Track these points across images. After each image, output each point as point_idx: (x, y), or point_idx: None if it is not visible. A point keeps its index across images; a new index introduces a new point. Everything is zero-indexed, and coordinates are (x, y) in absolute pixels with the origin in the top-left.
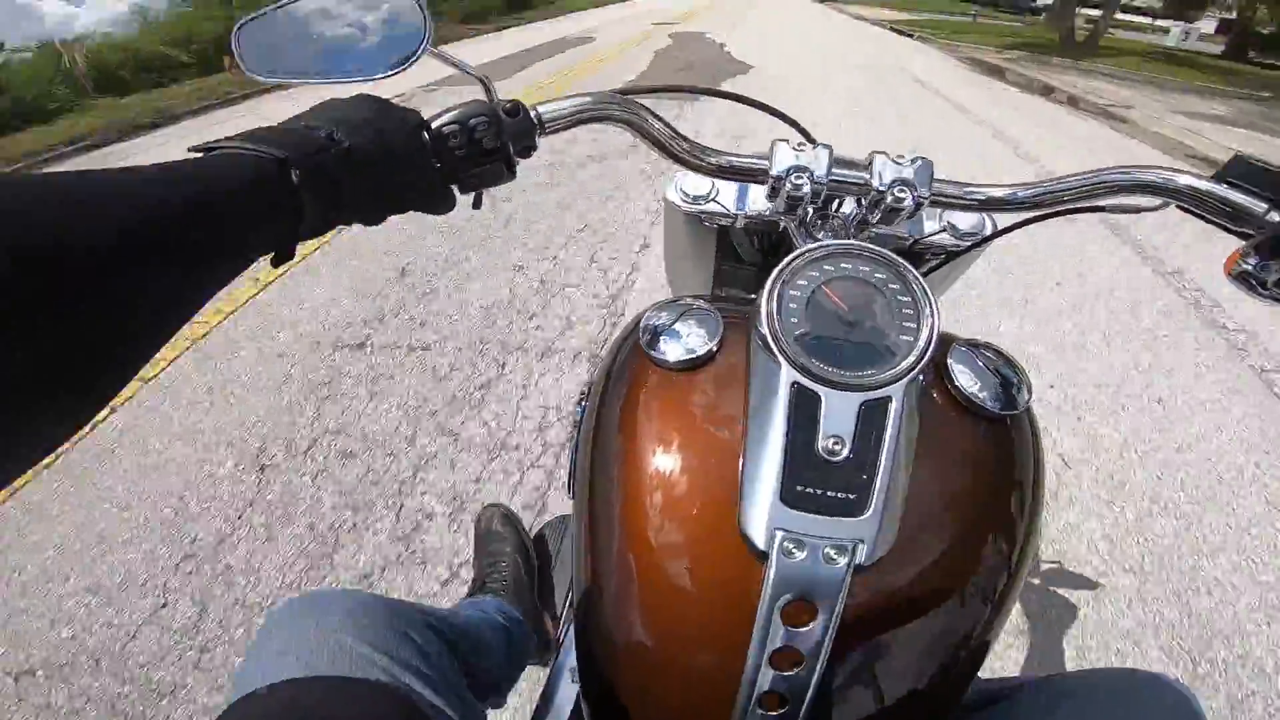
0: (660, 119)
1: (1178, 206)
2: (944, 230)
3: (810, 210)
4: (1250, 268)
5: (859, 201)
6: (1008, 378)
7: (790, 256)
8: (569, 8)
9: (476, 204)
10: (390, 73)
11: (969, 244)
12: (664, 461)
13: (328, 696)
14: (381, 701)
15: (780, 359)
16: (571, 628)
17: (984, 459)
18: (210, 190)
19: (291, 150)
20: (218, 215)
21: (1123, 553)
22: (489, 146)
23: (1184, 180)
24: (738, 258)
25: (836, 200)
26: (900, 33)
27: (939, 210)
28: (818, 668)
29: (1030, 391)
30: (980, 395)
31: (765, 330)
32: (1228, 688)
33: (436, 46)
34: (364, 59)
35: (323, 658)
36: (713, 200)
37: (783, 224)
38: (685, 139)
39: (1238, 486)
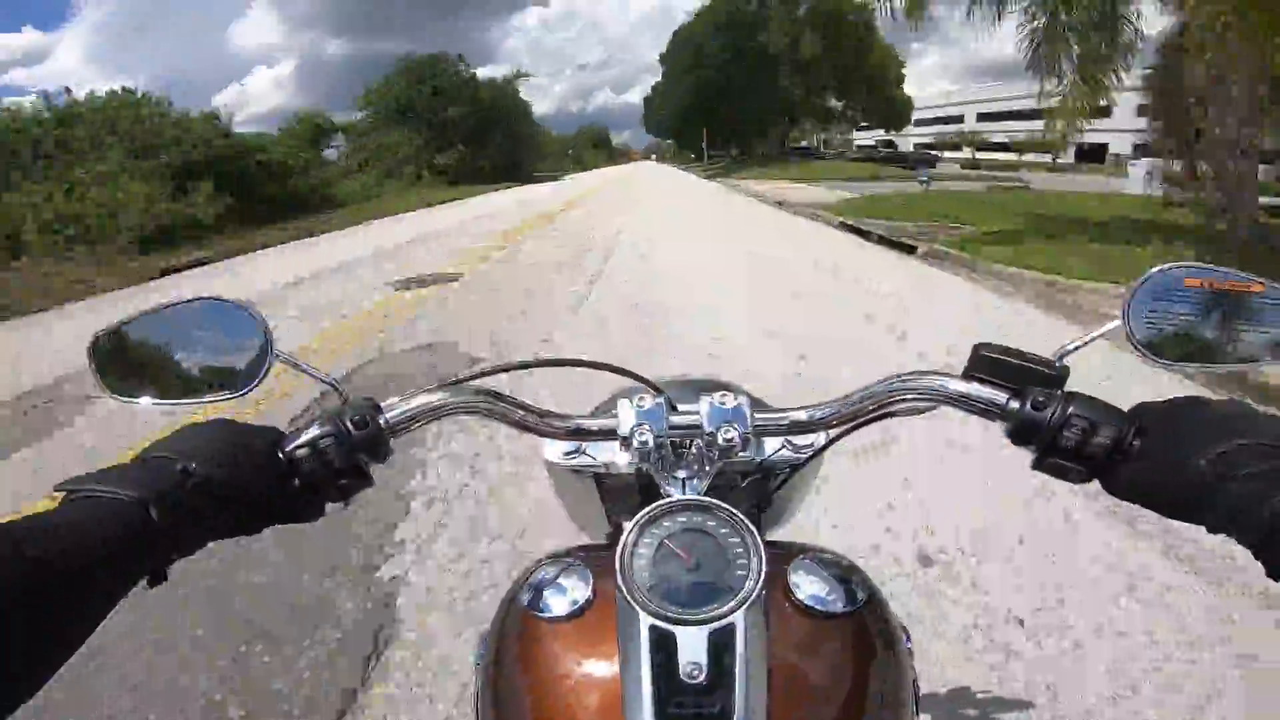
0: (514, 401)
1: (946, 404)
2: (784, 448)
3: (664, 454)
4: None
5: (699, 442)
6: (845, 578)
7: (633, 520)
8: (367, 212)
9: (345, 504)
10: (244, 390)
11: (806, 456)
12: (557, 707)
13: None
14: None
15: (636, 608)
16: None
17: (836, 656)
18: (79, 542)
19: (147, 489)
20: (88, 565)
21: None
22: (341, 465)
23: (949, 385)
24: (623, 501)
25: (688, 441)
26: (860, 234)
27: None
28: None
29: (867, 588)
30: (822, 602)
31: (622, 585)
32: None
33: (281, 356)
34: (218, 376)
35: None
36: (583, 454)
37: (643, 468)
38: (540, 413)
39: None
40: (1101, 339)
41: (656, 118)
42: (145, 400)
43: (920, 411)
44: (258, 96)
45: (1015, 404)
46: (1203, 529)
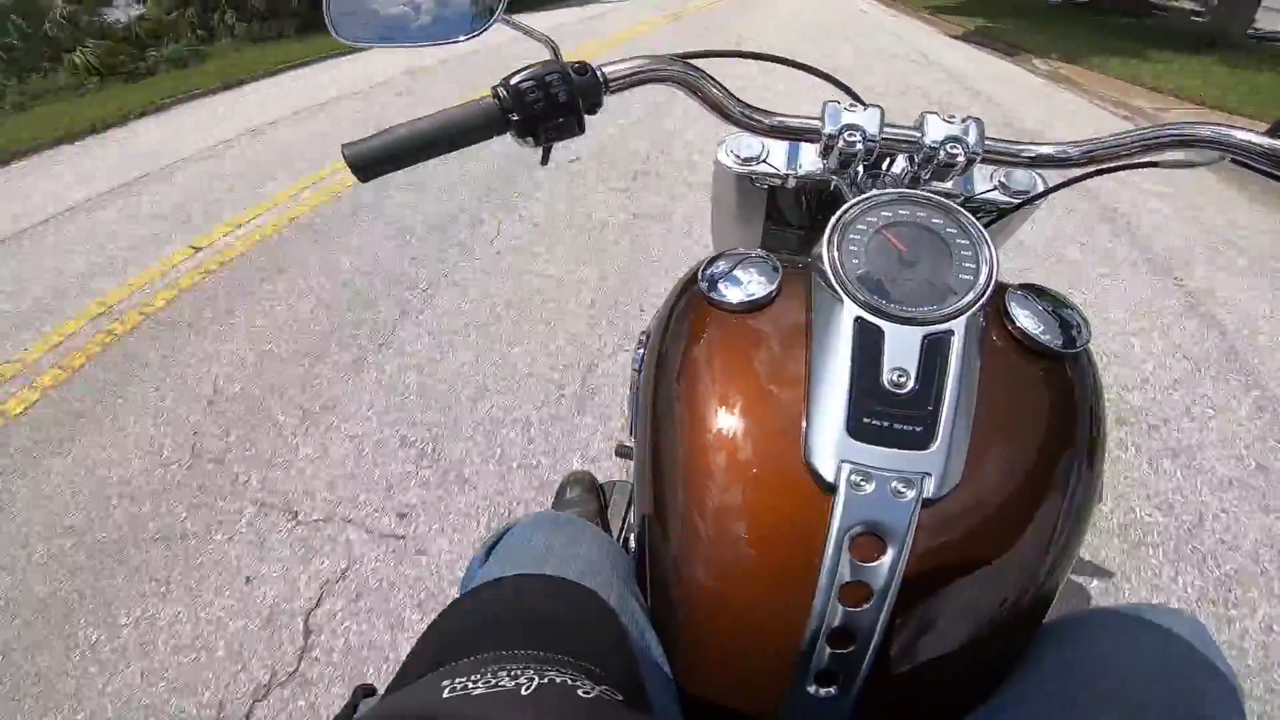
0: (716, 82)
1: (1233, 161)
2: (995, 188)
3: (861, 169)
4: None
5: (911, 159)
6: (1065, 318)
7: (851, 202)
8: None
9: (544, 160)
10: (467, 36)
11: (1020, 201)
12: (727, 400)
13: (549, 590)
14: (592, 601)
15: (843, 295)
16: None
17: (1045, 396)
18: None
19: None
20: None
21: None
22: (562, 101)
23: (1240, 135)
24: (785, 222)
25: (887, 160)
26: None
27: (990, 169)
28: (886, 604)
29: (1088, 331)
30: (1040, 335)
31: (828, 268)
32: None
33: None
34: (442, 24)
35: (548, 564)
36: (764, 161)
37: (834, 183)
38: (739, 101)
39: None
40: None
41: None
42: (375, 44)
43: (1194, 165)
44: None
45: None
46: None
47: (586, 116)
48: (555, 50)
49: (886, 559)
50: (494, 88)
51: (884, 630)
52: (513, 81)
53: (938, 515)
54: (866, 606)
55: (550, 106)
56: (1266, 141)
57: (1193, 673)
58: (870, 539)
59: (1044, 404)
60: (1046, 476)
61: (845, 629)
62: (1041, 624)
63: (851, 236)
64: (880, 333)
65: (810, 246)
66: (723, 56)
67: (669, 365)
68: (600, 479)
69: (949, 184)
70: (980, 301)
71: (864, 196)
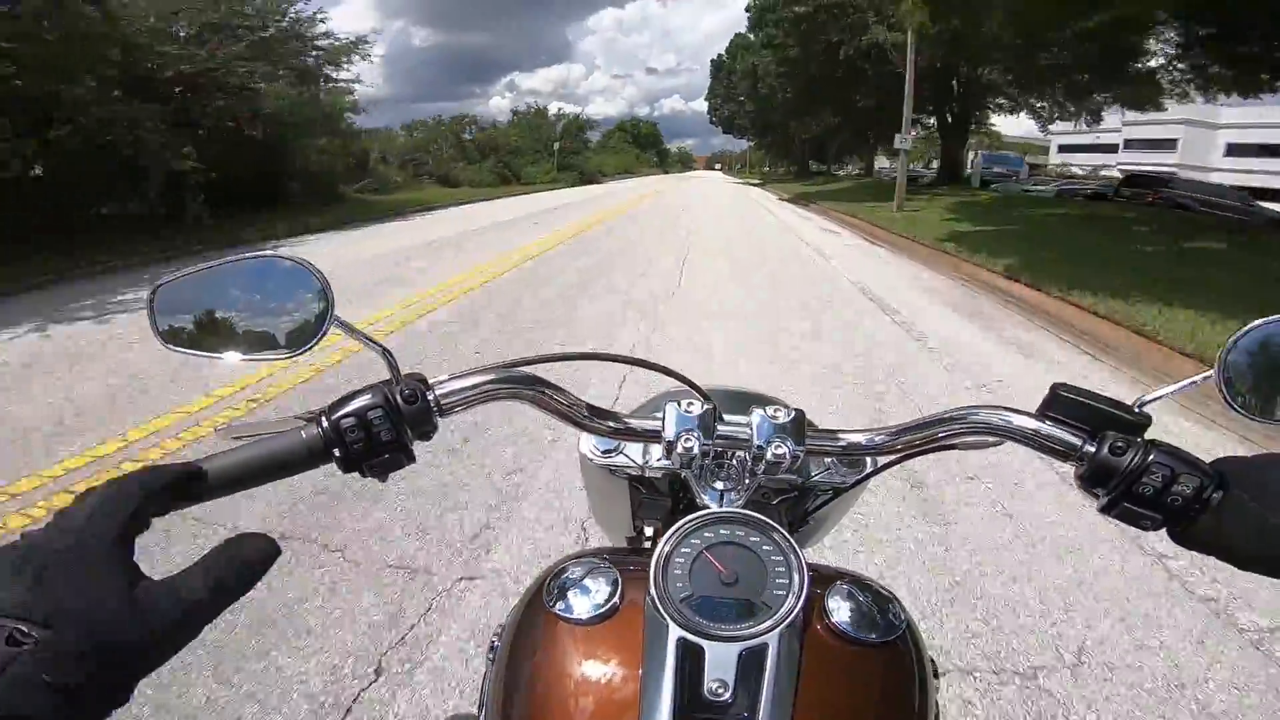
0: (562, 391)
1: (1013, 441)
2: (828, 470)
3: (705, 462)
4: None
5: (745, 456)
6: (881, 606)
7: (674, 527)
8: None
9: (382, 480)
10: (300, 351)
11: (850, 482)
12: (568, 713)
13: None
14: None
15: (667, 620)
16: None
17: (866, 687)
18: None
19: None
20: None
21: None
22: (385, 440)
23: (1015, 420)
24: (654, 506)
25: (730, 453)
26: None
27: None
28: None
29: (903, 616)
30: (857, 630)
31: (654, 594)
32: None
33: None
34: (275, 334)
35: None
36: (620, 454)
37: (683, 474)
38: (586, 405)
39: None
40: (1188, 389)
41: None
42: (201, 352)
43: (986, 446)
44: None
45: (1092, 447)
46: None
47: (420, 443)
48: (391, 363)
49: None
50: (316, 418)
51: None
52: (335, 417)
53: None
54: None
55: (374, 445)
56: (1033, 425)
57: None
58: None
59: (866, 695)
60: None
61: None
62: None
63: (676, 560)
64: (701, 650)
65: (676, 518)
66: (567, 360)
67: (516, 674)
68: None
69: (788, 474)
70: (791, 615)
71: (686, 520)
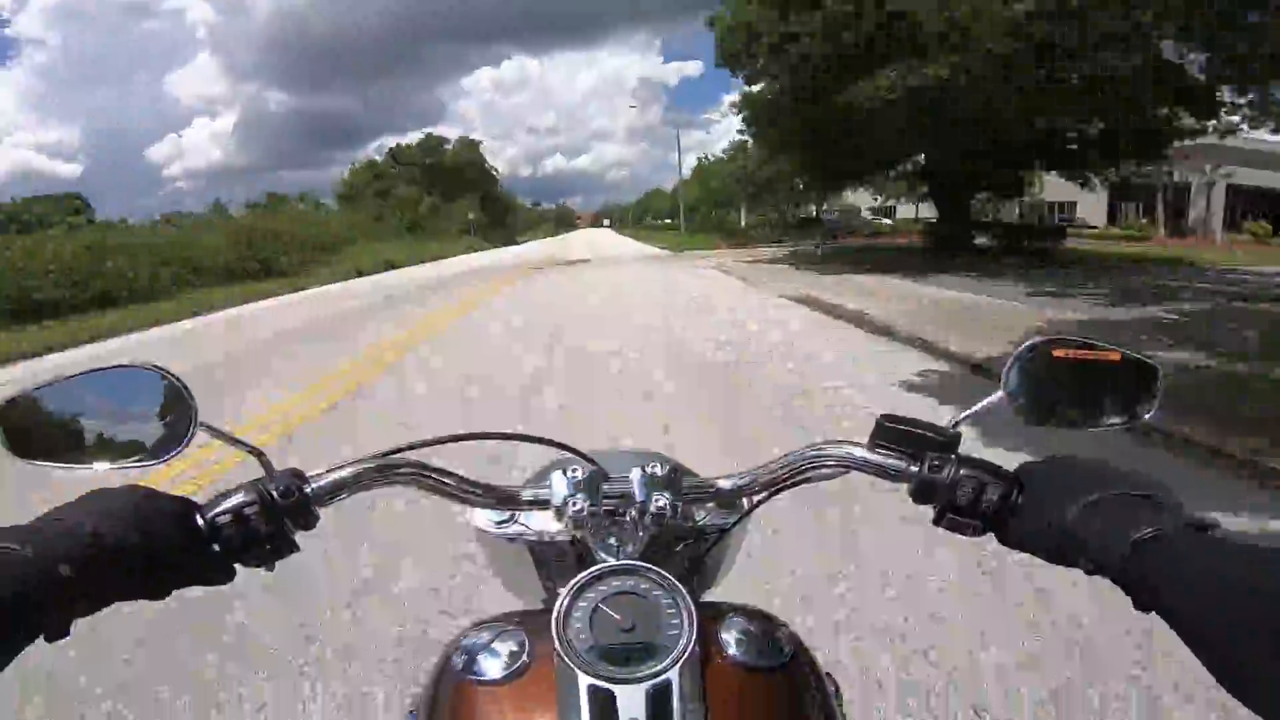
0: (446, 472)
1: (856, 470)
2: (712, 514)
3: (596, 522)
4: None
5: (633, 510)
6: (771, 633)
7: (568, 586)
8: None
9: (269, 568)
10: (165, 458)
11: (733, 521)
12: None
13: None
14: None
15: (575, 668)
16: None
17: (768, 708)
18: None
19: (50, 547)
20: None
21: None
22: (266, 530)
23: (855, 453)
24: (558, 570)
25: (618, 511)
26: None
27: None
28: None
29: (793, 641)
30: (751, 657)
31: (559, 647)
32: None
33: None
34: (137, 443)
35: None
36: (515, 523)
37: (575, 536)
38: (472, 483)
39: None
40: (986, 408)
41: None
42: (57, 465)
43: (833, 476)
44: (195, 149)
45: (914, 468)
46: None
47: (301, 533)
48: (264, 462)
49: None
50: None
51: None
52: (209, 514)
53: None
54: None
55: (251, 537)
56: (862, 455)
57: None
58: None
59: (772, 715)
60: None
61: None
62: None
63: (575, 614)
64: (611, 695)
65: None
66: (448, 442)
67: None
68: None
69: (675, 520)
70: (686, 650)
71: (572, 584)
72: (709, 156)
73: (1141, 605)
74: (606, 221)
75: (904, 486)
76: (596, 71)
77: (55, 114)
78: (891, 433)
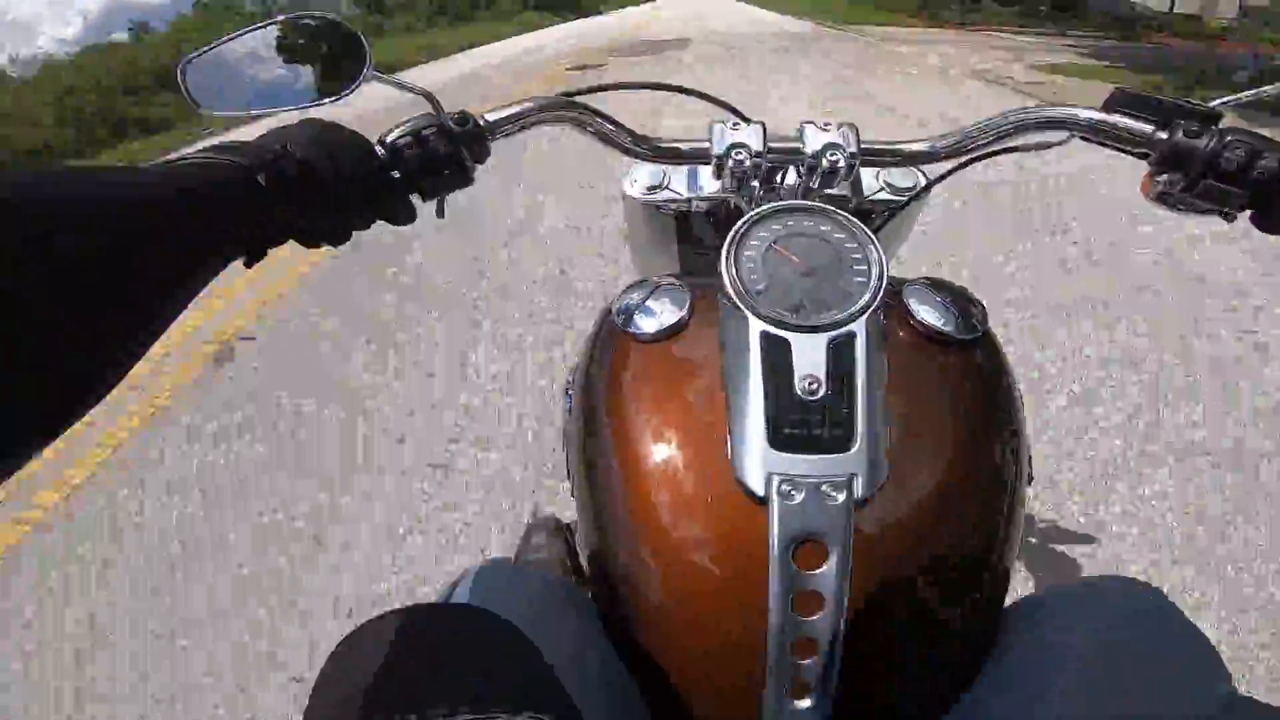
0: (605, 116)
1: (1080, 138)
2: (883, 189)
3: (757, 184)
4: (1162, 185)
5: (798, 171)
6: (963, 306)
7: (740, 223)
8: None
9: (440, 213)
10: (335, 98)
11: (907, 197)
12: (654, 429)
13: (456, 623)
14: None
15: (746, 313)
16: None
17: (954, 382)
18: (193, 188)
19: (255, 159)
20: (200, 210)
21: None
22: (444, 153)
23: (1083, 114)
24: (700, 243)
25: (780, 172)
26: None
27: (878, 171)
28: (841, 608)
29: (986, 314)
30: (940, 324)
31: (730, 289)
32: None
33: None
34: (309, 87)
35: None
36: (666, 188)
37: (733, 201)
38: (630, 132)
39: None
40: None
41: None
42: (239, 111)
43: (1049, 146)
44: None
45: (1164, 134)
46: None
47: (478, 166)
48: (434, 102)
49: (831, 564)
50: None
51: (846, 634)
52: (389, 139)
53: (873, 513)
54: (822, 613)
55: (428, 160)
56: (1101, 117)
57: (1161, 640)
58: (811, 546)
59: (955, 390)
60: (971, 459)
61: (807, 638)
62: (1004, 609)
63: (746, 254)
64: (787, 344)
65: None
66: (608, 90)
67: (595, 403)
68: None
69: (840, 190)
70: (875, 300)
71: (750, 215)
72: None
73: None
74: None
75: (1138, 164)
76: None
77: None
78: (1133, 100)
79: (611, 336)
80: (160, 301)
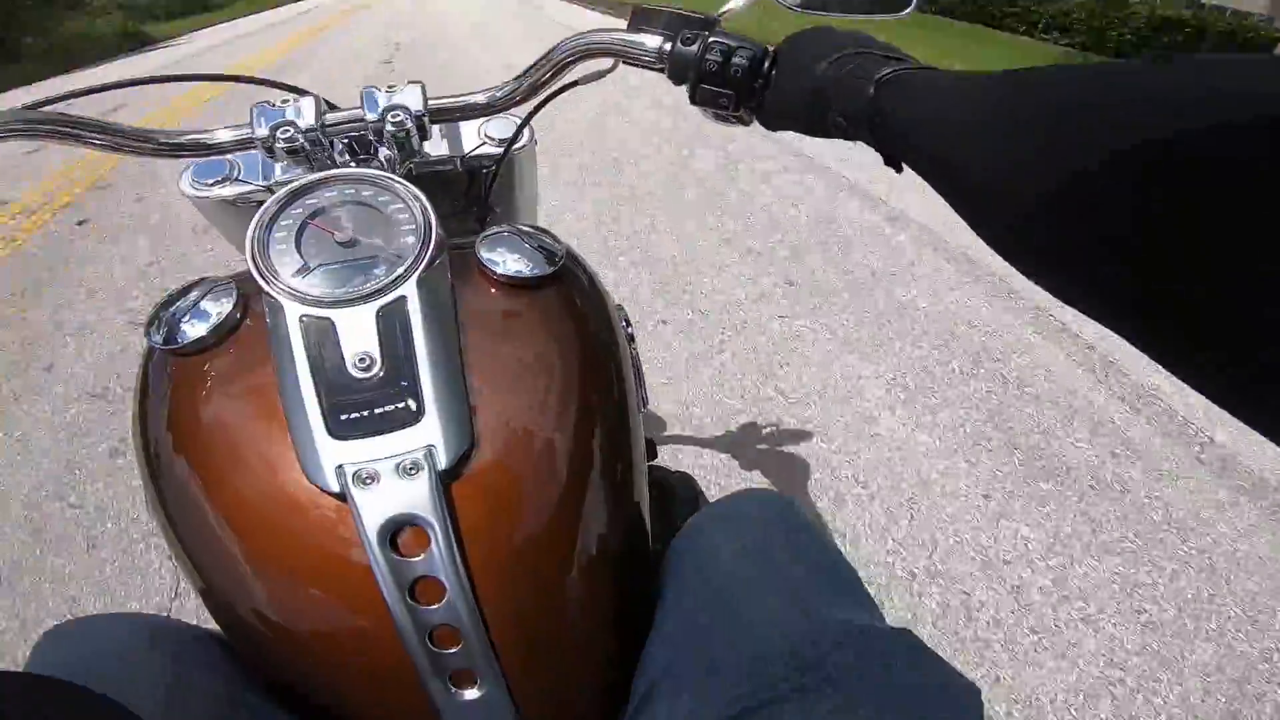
0: (97, 123)
1: (625, 63)
2: (484, 142)
3: (323, 160)
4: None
5: (368, 140)
6: (542, 246)
7: (264, 205)
8: None
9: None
10: None
11: (504, 149)
12: (219, 450)
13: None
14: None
15: (280, 299)
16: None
17: (536, 324)
18: None
19: None
20: None
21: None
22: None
23: (607, 37)
24: None
25: (354, 143)
26: None
27: (478, 123)
28: (466, 586)
29: (562, 249)
30: (515, 270)
31: (258, 279)
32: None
33: None
34: None
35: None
36: (235, 180)
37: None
38: (134, 133)
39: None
40: None
41: None
42: None
43: (602, 75)
44: None
45: (668, 45)
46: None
47: None
48: None
49: (435, 544)
50: None
51: (482, 612)
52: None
53: (473, 481)
54: (447, 597)
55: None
56: (624, 36)
57: (782, 549)
58: (409, 531)
59: (537, 333)
60: (568, 401)
61: (445, 626)
62: (667, 550)
63: (277, 236)
64: (330, 323)
65: None
66: (111, 89)
67: (154, 442)
68: None
69: (432, 153)
70: (424, 259)
71: (277, 195)
72: None
73: (891, 160)
74: None
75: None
76: None
77: None
78: (650, 14)
79: (155, 362)
80: None
